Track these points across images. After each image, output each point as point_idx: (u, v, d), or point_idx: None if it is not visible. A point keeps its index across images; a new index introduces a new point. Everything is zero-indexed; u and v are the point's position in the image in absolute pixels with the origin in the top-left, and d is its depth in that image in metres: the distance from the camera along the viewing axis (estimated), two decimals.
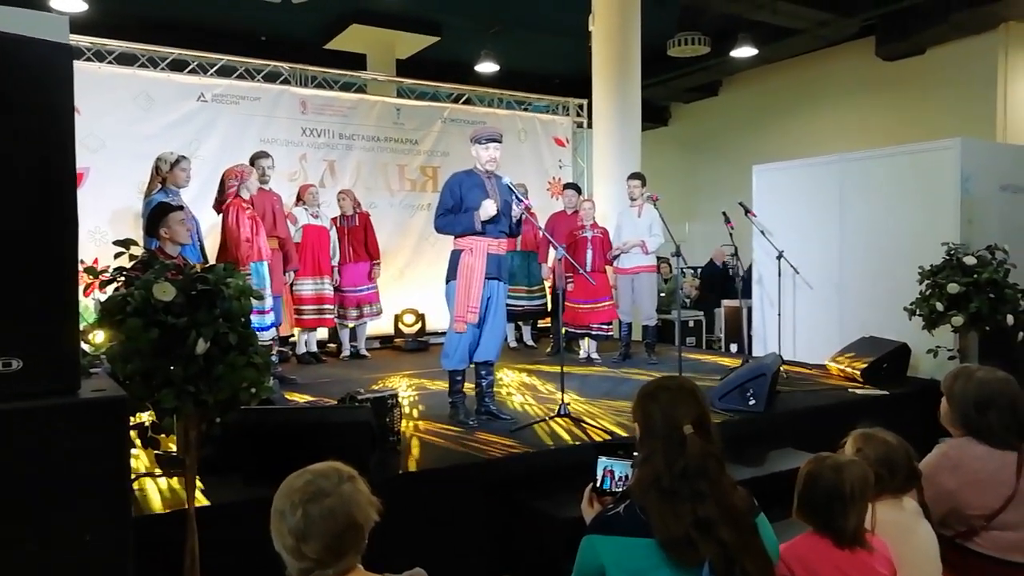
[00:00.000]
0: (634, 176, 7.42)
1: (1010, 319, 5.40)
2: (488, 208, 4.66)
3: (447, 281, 4.79)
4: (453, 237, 4.82)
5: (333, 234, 7.47)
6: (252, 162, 6.48)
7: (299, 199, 7.32)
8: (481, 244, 4.71)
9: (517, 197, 4.88)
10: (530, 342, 8.60)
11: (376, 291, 7.73)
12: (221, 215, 5.83)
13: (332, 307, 7.43)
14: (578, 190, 8.24)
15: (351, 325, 7.67)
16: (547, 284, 8.13)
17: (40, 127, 2.17)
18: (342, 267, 7.46)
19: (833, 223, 7.08)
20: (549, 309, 8.16)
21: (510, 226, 4.89)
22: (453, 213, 4.74)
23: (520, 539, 3.81)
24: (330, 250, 7.40)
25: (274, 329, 6.00)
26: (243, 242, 5.64)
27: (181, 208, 5.05)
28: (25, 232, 2.14)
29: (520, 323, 8.50)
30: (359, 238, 7.59)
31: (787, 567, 2.09)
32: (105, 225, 7.01)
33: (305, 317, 7.28)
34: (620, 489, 2.25)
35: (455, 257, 4.76)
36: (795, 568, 2.09)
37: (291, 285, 7.08)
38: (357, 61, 11.86)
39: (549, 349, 8.02)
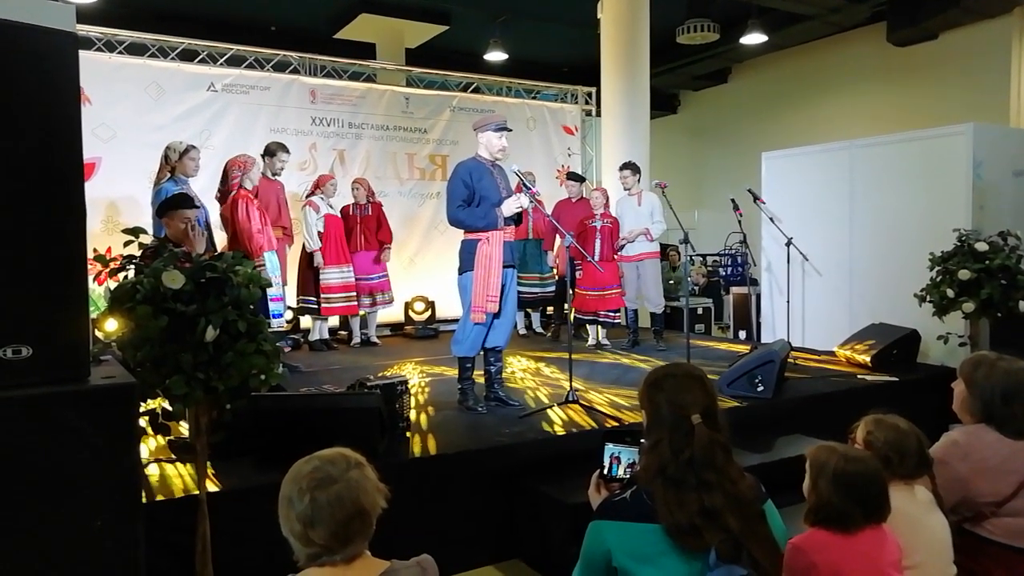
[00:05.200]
0: (624, 166, 7.38)
1: (1022, 305, 5.37)
2: (511, 205, 4.66)
3: (461, 272, 4.75)
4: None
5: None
6: (272, 153, 6.50)
7: (317, 188, 7.33)
8: (497, 233, 4.69)
9: (525, 185, 4.86)
10: (539, 329, 8.61)
11: (387, 279, 7.76)
12: (228, 206, 5.84)
13: (356, 294, 7.48)
14: (580, 179, 8.21)
15: (363, 313, 7.70)
16: (554, 271, 8.14)
17: (45, 116, 2.18)
18: (354, 255, 7.49)
19: (843, 210, 7.05)
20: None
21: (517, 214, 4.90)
22: (468, 204, 4.69)
23: (527, 524, 3.83)
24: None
25: (284, 317, 6.02)
26: (255, 233, 5.66)
27: (198, 208, 4.90)
28: (32, 221, 2.15)
29: (529, 310, 8.51)
30: (371, 227, 7.63)
31: (807, 559, 2.07)
32: (117, 214, 7.05)
33: (334, 305, 7.32)
34: (627, 475, 2.26)
35: (471, 247, 4.70)
36: (815, 559, 2.07)
37: (318, 274, 7.17)
38: (366, 50, 11.85)
39: (548, 335, 8.03)
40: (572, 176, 8.14)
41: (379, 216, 7.72)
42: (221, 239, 6.02)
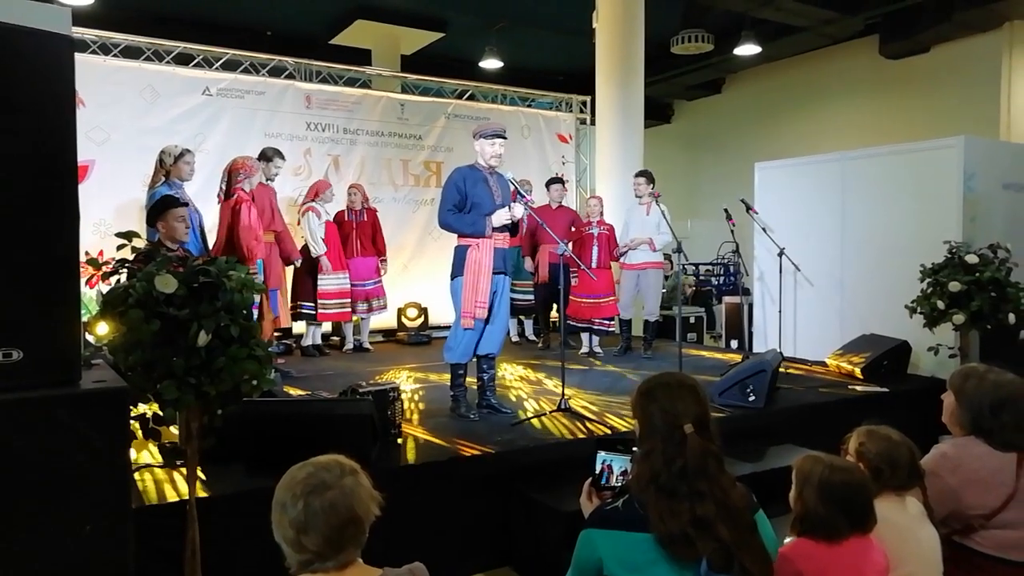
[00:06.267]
0: (639, 174, 7.43)
1: (1012, 317, 5.39)
2: (501, 216, 4.68)
3: (453, 277, 4.76)
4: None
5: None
6: (268, 158, 6.49)
7: (316, 194, 7.32)
8: (487, 240, 4.70)
9: (520, 193, 4.87)
10: (532, 336, 8.61)
11: (382, 285, 7.79)
12: (227, 208, 5.82)
13: (351, 301, 7.48)
14: (563, 184, 8.21)
15: (357, 319, 7.70)
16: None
17: (40, 119, 2.17)
18: (350, 261, 7.51)
19: (835, 221, 7.08)
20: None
21: (513, 222, 4.89)
22: (460, 210, 4.71)
23: (519, 532, 3.82)
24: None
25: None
26: (253, 240, 5.65)
27: (185, 205, 4.99)
28: (25, 224, 2.14)
29: (522, 317, 8.51)
30: (367, 233, 7.65)
31: (794, 568, 2.07)
32: (110, 217, 7.01)
33: (330, 311, 7.33)
34: (619, 484, 2.26)
35: (461, 253, 4.72)
36: (802, 568, 2.08)
37: (315, 280, 7.16)
38: (362, 56, 11.86)
39: (540, 344, 8.06)
40: (555, 181, 8.13)
41: (374, 222, 7.74)
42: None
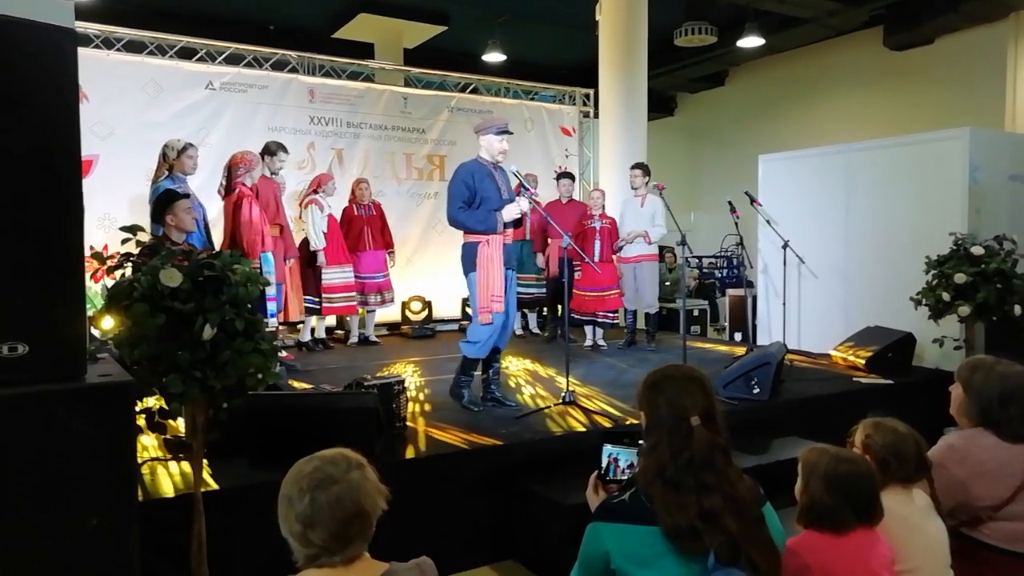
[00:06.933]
0: (635, 166, 7.44)
1: (1018, 309, 5.37)
2: (512, 212, 4.68)
3: (466, 273, 4.77)
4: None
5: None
6: (272, 152, 6.49)
7: (318, 187, 7.31)
8: (496, 236, 4.71)
9: (524, 186, 4.87)
10: (536, 330, 8.61)
11: (389, 278, 7.80)
12: (230, 204, 5.82)
13: (356, 294, 7.50)
14: (572, 179, 8.22)
15: (363, 312, 7.72)
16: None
17: (43, 113, 2.16)
18: (361, 254, 7.52)
19: (839, 213, 7.06)
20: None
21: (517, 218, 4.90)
22: (469, 206, 4.70)
23: (525, 525, 3.82)
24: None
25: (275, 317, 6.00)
26: (256, 235, 5.65)
27: (187, 196, 5.04)
28: (30, 218, 2.14)
29: (526, 311, 8.52)
30: (377, 226, 7.68)
31: (801, 561, 2.07)
32: (114, 212, 7.02)
33: (336, 305, 7.35)
34: (625, 477, 2.25)
35: (471, 250, 4.71)
36: (808, 561, 2.07)
37: (319, 273, 7.18)
38: (365, 50, 11.85)
39: (546, 334, 8.07)
40: (565, 176, 8.14)
41: (382, 215, 7.78)
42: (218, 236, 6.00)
